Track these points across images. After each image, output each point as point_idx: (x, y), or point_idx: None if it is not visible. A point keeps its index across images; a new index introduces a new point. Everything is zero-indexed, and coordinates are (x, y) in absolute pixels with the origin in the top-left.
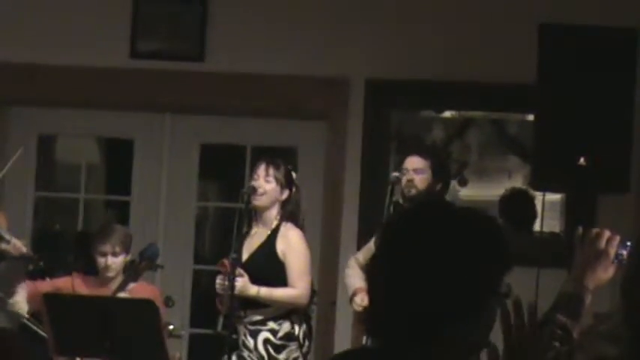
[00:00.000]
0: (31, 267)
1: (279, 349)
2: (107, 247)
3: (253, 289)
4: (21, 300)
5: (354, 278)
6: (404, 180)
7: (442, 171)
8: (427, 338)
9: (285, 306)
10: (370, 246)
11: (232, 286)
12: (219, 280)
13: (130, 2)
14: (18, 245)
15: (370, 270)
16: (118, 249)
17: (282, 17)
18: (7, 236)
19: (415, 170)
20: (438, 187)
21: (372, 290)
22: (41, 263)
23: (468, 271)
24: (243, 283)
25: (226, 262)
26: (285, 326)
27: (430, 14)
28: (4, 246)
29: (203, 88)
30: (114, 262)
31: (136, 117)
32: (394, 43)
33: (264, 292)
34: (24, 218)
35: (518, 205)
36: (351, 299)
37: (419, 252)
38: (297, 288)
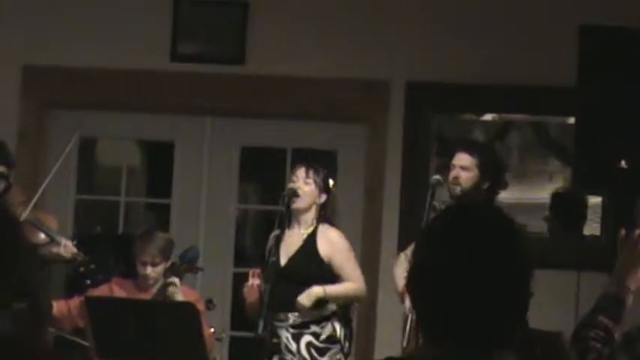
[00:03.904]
0: (82, 269)
1: (322, 351)
2: (147, 257)
3: (319, 290)
4: None
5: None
6: (450, 176)
7: (490, 171)
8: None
9: (351, 300)
10: None
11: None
12: (256, 282)
13: (171, 5)
14: (69, 246)
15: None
16: (157, 259)
17: (323, 20)
18: (57, 238)
19: (462, 167)
20: (485, 186)
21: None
22: (92, 266)
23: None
24: (308, 290)
25: (256, 271)
26: (328, 329)
27: (470, 18)
28: (55, 249)
29: (243, 90)
30: (153, 271)
31: (177, 120)
32: (435, 46)
33: (330, 290)
34: (65, 221)
35: (569, 205)
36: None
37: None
38: (355, 282)
